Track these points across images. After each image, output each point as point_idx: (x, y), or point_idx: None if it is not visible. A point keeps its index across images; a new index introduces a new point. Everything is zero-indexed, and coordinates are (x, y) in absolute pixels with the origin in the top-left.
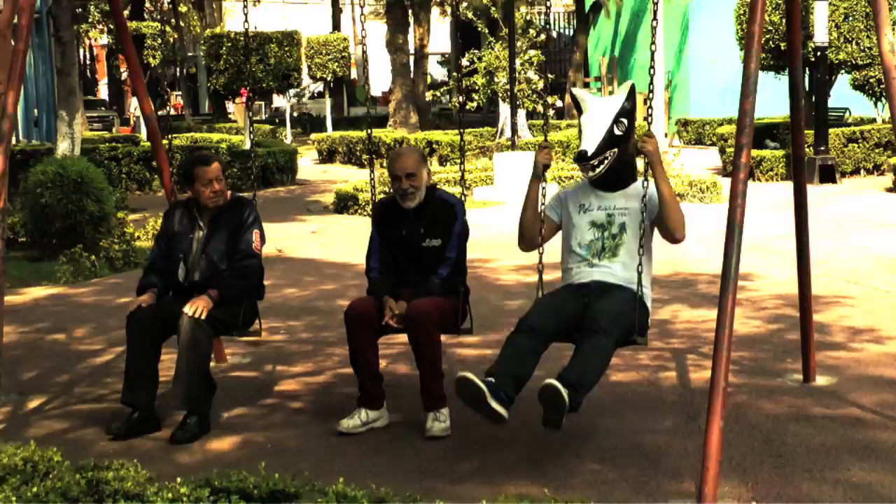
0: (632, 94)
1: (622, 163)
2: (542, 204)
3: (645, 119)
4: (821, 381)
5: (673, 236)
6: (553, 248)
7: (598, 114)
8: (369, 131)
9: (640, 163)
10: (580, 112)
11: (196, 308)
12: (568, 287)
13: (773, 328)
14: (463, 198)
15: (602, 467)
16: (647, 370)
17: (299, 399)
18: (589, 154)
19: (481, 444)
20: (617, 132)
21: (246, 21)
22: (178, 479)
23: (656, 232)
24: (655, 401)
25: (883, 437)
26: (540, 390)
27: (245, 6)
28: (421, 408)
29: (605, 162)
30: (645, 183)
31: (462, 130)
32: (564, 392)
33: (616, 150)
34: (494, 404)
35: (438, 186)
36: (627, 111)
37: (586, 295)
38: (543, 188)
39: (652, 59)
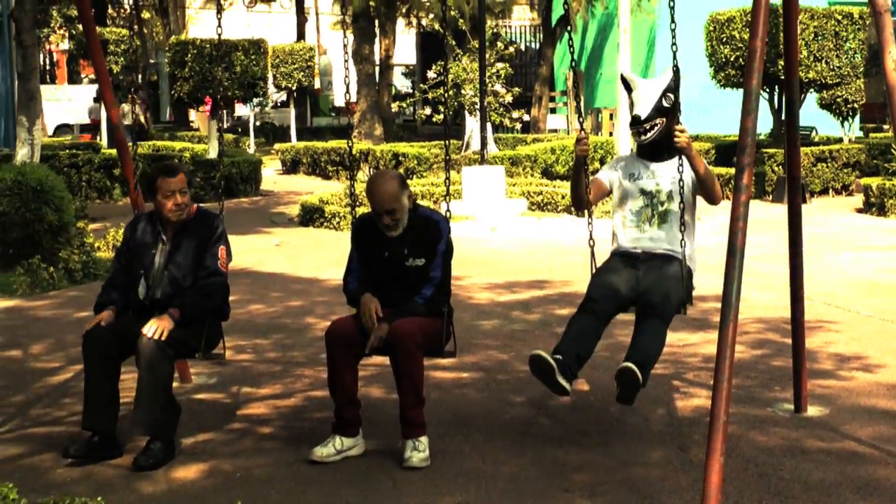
0: (676, 74)
1: (667, 135)
2: (587, 183)
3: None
4: (812, 411)
5: (714, 201)
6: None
7: (647, 88)
8: (350, 143)
9: None
10: (630, 90)
11: (156, 329)
12: (618, 255)
13: (758, 354)
14: (448, 215)
15: (592, 503)
16: None
17: (269, 424)
18: (643, 118)
19: (462, 476)
20: (665, 104)
21: (219, 27)
22: None
23: (700, 201)
24: (642, 430)
25: (884, 473)
26: (618, 373)
27: (218, 13)
28: (396, 434)
29: (656, 128)
30: (680, 167)
31: (448, 142)
32: (639, 373)
33: (664, 119)
34: (562, 380)
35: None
36: (673, 88)
37: (637, 266)
38: (586, 174)
39: (674, 58)
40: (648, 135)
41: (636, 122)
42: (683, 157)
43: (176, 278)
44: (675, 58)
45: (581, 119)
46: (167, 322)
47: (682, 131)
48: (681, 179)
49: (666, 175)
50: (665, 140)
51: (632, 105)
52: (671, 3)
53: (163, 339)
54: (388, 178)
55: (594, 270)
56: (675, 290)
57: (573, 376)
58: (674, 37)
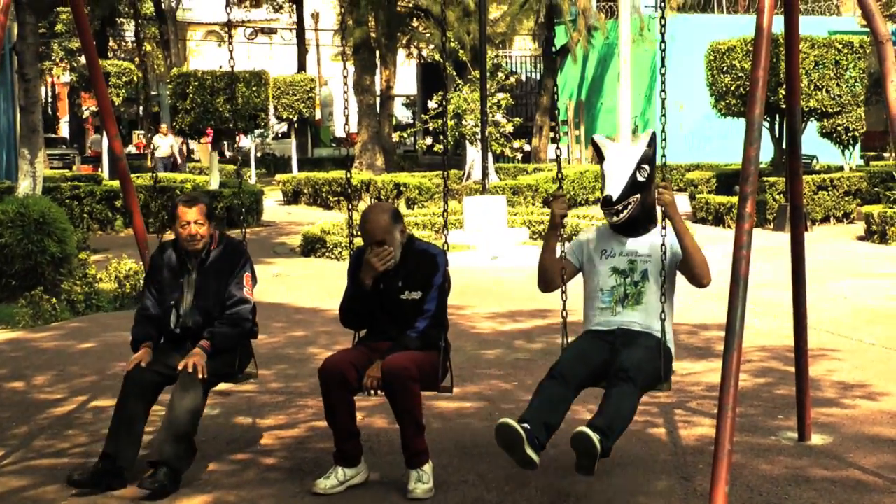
0: (653, 140)
1: (644, 209)
2: (563, 251)
3: (661, 168)
4: (816, 439)
5: (700, 283)
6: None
7: (620, 159)
8: (349, 175)
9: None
10: (601, 158)
11: (192, 366)
12: (591, 333)
13: (761, 382)
14: (445, 247)
15: None
16: (636, 426)
17: (273, 454)
18: (614, 199)
19: None
20: (640, 178)
21: (231, 59)
22: None
23: (680, 277)
24: (646, 460)
25: (889, 502)
26: (572, 438)
27: (230, 44)
28: (401, 463)
29: (629, 207)
30: (663, 231)
31: (447, 173)
32: (596, 438)
33: (639, 195)
34: (530, 451)
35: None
36: (649, 157)
37: (612, 342)
38: (561, 236)
39: (663, 106)
40: (621, 215)
41: (608, 203)
42: (665, 227)
43: (205, 307)
44: (663, 107)
45: (560, 176)
46: (201, 358)
47: (664, 188)
48: (663, 254)
49: (642, 251)
50: (642, 214)
51: (603, 178)
52: (662, 48)
53: (200, 376)
54: (381, 211)
55: (564, 345)
56: (650, 361)
57: (541, 447)
58: (663, 86)
